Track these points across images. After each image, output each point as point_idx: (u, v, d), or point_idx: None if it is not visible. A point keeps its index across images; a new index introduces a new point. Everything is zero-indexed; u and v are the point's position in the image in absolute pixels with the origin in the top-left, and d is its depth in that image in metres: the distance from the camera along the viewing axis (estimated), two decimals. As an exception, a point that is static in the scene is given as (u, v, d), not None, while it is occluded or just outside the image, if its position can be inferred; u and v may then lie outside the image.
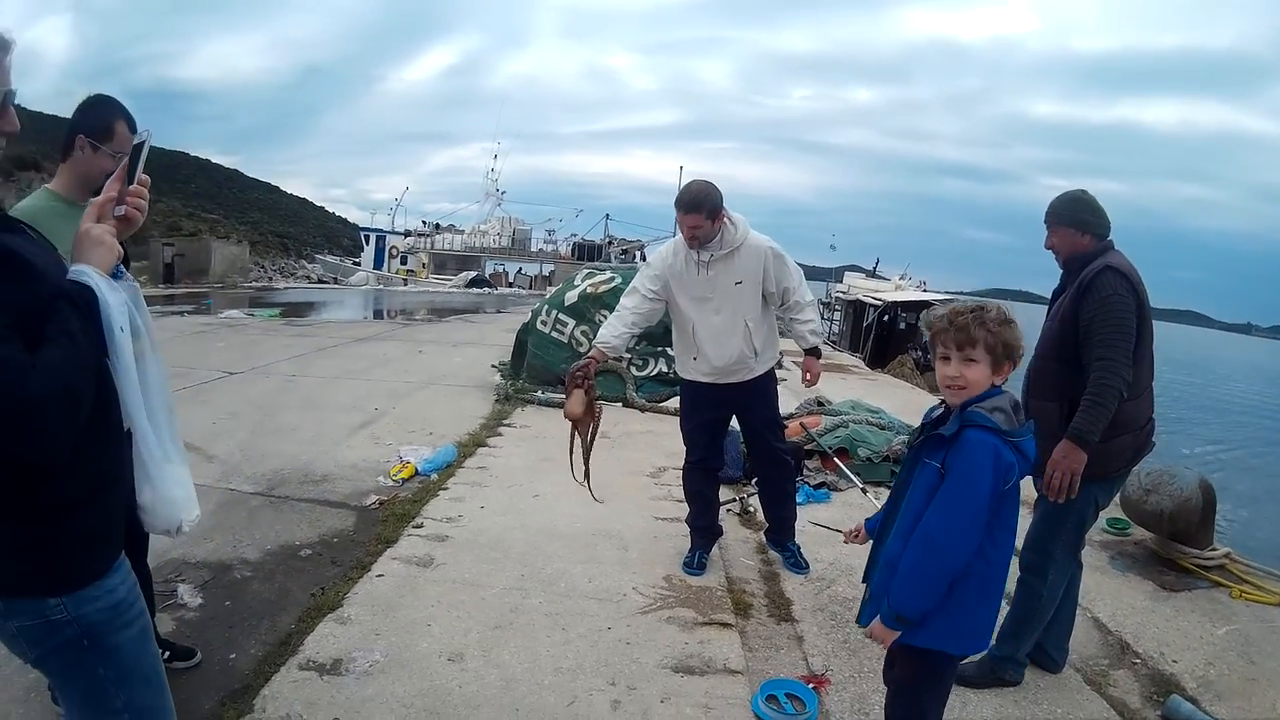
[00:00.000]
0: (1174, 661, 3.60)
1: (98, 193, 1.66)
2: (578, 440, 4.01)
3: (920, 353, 24.03)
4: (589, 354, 4.01)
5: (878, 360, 21.97)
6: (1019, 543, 2.82)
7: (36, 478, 1.45)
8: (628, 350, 8.98)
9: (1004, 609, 3.68)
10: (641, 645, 3.42)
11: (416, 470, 5.69)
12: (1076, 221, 3.24)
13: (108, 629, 1.60)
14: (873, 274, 32.67)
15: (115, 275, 1.57)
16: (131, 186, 1.66)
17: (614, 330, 4.08)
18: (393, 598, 3.70)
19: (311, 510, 4.88)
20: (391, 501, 5.04)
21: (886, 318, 25.94)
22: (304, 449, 6.16)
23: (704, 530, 4.36)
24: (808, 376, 4.31)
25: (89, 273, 1.50)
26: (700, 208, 3.79)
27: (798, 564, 4.34)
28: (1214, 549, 4.65)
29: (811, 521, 5.05)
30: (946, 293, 26.93)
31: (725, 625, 3.65)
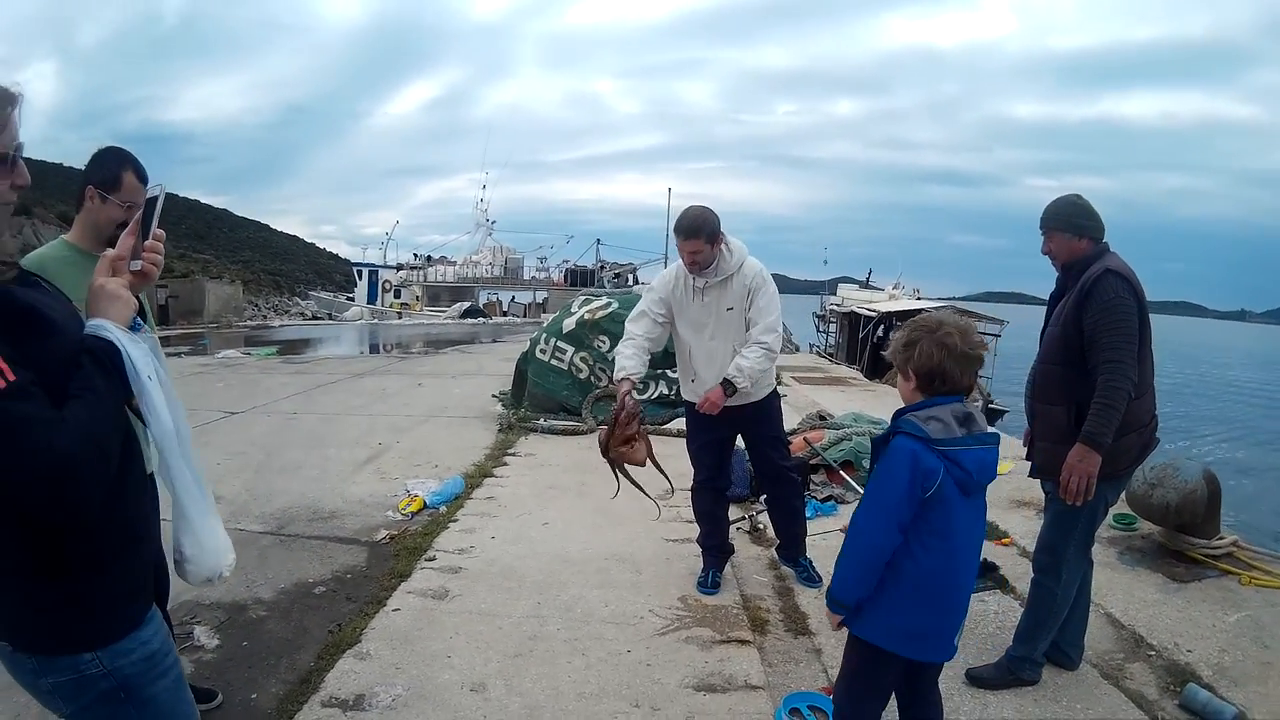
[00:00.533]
0: (1188, 651, 3.63)
1: (111, 243, 1.67)
2: (631, 470, 4.15)
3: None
4: (620, 387, 4.03)
5: (875, 371, 21.98)
6: (1027, 546, 2.85)
7: (68, 535, 1.45)
8: (628, 375, 9.02)
9: (1016, 610, 3.73)
10: (662, 666, 3.43)
11: (425, 503, 5.70)
12: (1072, 226, 3.30)
13: (143, 680, 1.60)
14: (866, 285, 32.79)
15: (133, 328, 1.57)
16: (147, 241, 1.67)
17: (631, 355, 4.10)
18: (410, 631, 3.71)
19: (323, 547, 4.88)
20: (402, 535, 5.05)
21: (882, 328, 25.98)
22: (310, 486, 6.16)
23: (716, 550, 4.39)
24: (703, 404, 4.09)
25: (108, 327, 1.50)
26: (699, 232, 3.84)
27: (810, 578, 4.36)
28: (1221, 538, 4.65)
29: (821, 535, 5.09)
30: (940, 300, 27.01)
31: (743, 642, 3.67)
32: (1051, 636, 3.40)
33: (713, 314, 4.05)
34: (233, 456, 7.06)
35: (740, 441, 4.50)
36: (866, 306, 26.24)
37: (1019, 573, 4.53)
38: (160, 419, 1.57)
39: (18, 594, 1.48)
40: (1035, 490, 6.26)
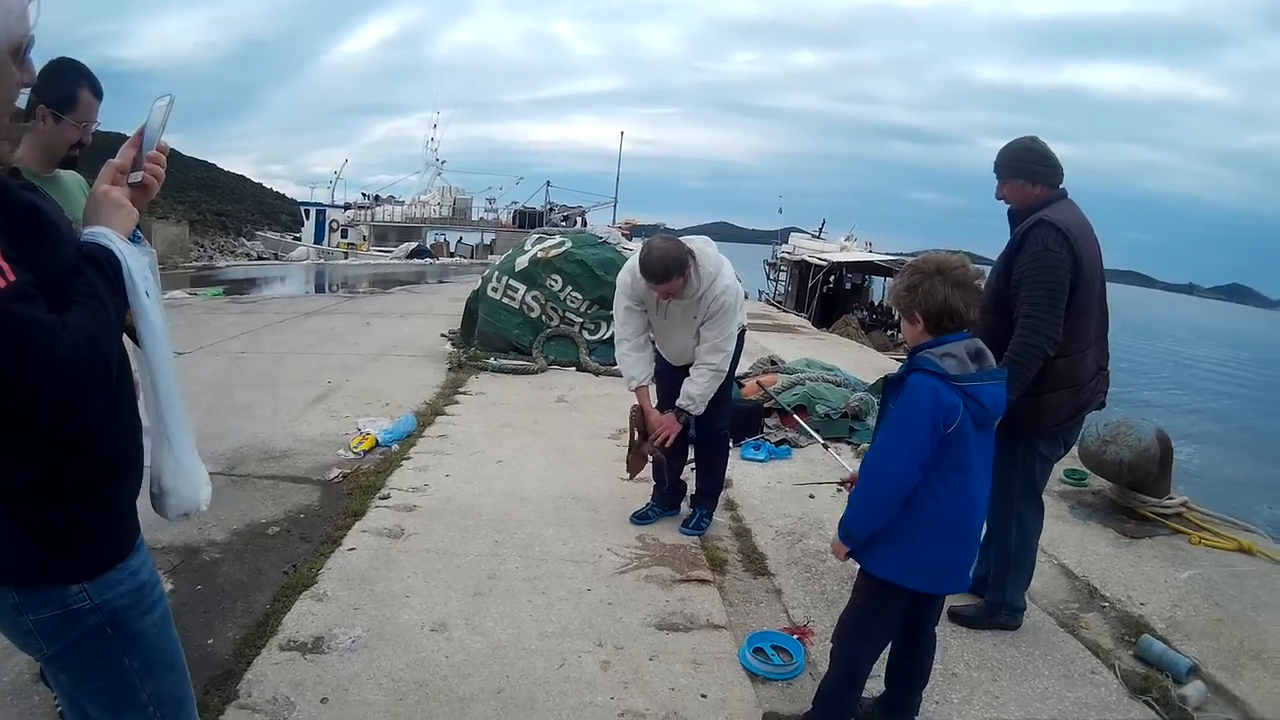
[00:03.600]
0: (1141, 604, 3.68)
1: (66, 164, 1.54)
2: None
3: (865, 312, 24.31)
4: (641, 399, 4.17)
5: (823, 320, 22.19)
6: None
7: (66, 453, 1.35)
8: (579, 315, 8.95)
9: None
10: (623, 605, 3.43)
11: (377, 441, 5.59)
12: (1025, 172, 3.24)
13: (132, 614, 1.50)
14: (818, 236, 32.89)
15: (133, 240, 1.48)
16: (150, 152, 1.56)
17: (635, 361, 4.08)
18: (367, 571, 3.65)
19: (275, 487, 4.77)
20: (355, 474, 4.95)
21: (833, 278, 26.17)
22: (261, 426, 6.01)
23: (662, 484, 4.42)
24: (658, 430, 4.08)
25: (109, 235, 1.41)
26: (670, 275, 3.67)
27: (692, 526, 4.29)
28: (1170, 497, 4.72)
29: (775, 480, 5.12)
30: (890, 254, 27.24)
31: (703, 582, 3.68)
32: (1024, 583, 3.45)
33: (675, 321, 4.00)
34: (183, 397, 6.81)
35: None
36: (818, 256, 26.38)
37: None
38: (157, 338, 1.50)
39: (6, 519, 1.37)
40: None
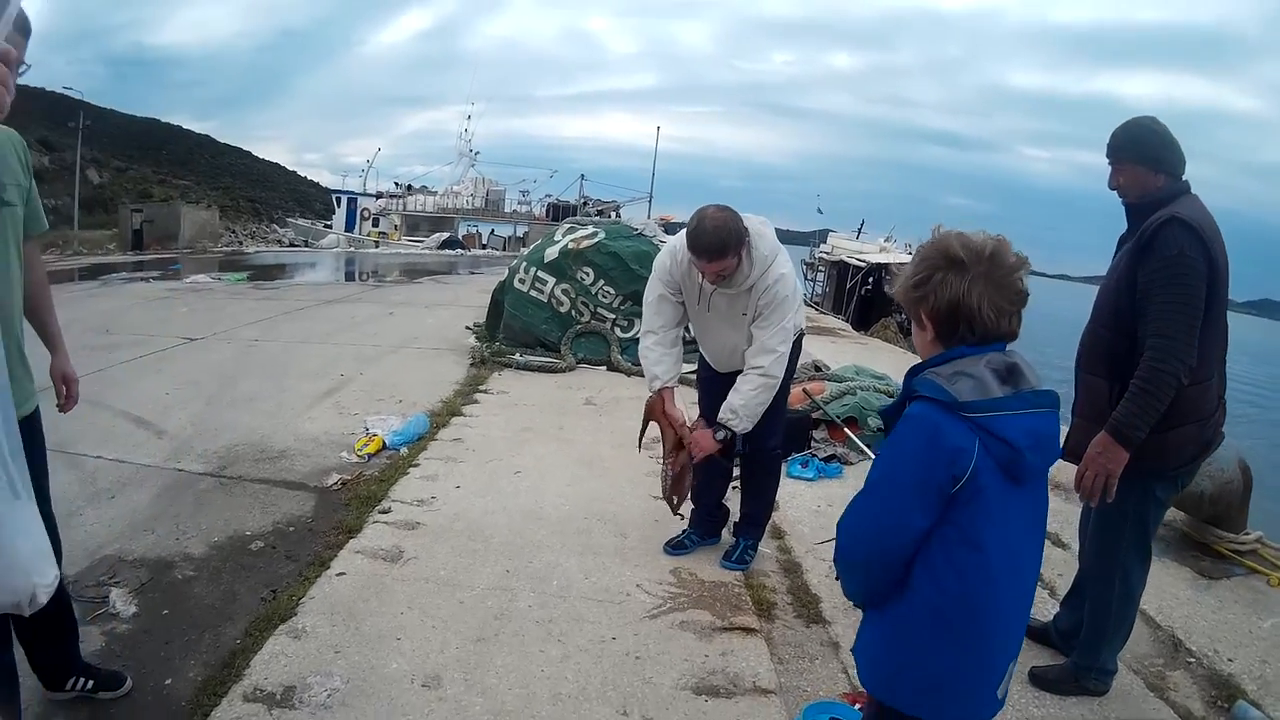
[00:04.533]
0: (1229, 660, 3.27)
1: None
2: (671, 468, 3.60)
3: (905, 316, 23.61)
4: (661, 404, 3.53)
5: (861, 322, 21.56)
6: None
7: None
8: (612, 311, 8.42)
9: (1052, 607, 3.25)
10: (654, 660, 2.87)
11: (384, 444, 5.10)
12: (1148, 158, 2.68)
13: None
14: (857, 236, 32.12)
15: None
16: None
17: (660, 358, 3.49)
18: (356, 602, 3.13)
19: (266, 493, 4.30)
20: (355, 481, 4.46)
21: (871, 280, 25.48)
22: (262, 421, 5.57)
23: (704, 508, 3.84)
24: (692, 447, 3.47)
25: None
26: (725, 250, 3.09)
27: (735, 559, 3.70)
28: (1247, 533, 4.31)
29: (825, 502, 4.56)
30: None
31: (748, 631, 3.11)
32: (1120, 644, 2.96)
33: (720, 315, 3.41)
34: (184, 386, 6.46)
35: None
36: (857, 257, 25.64)
37: (1054, 564, 4.04)
38: None
39: None
40: (1065, 468, 5.72)
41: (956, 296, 1.62)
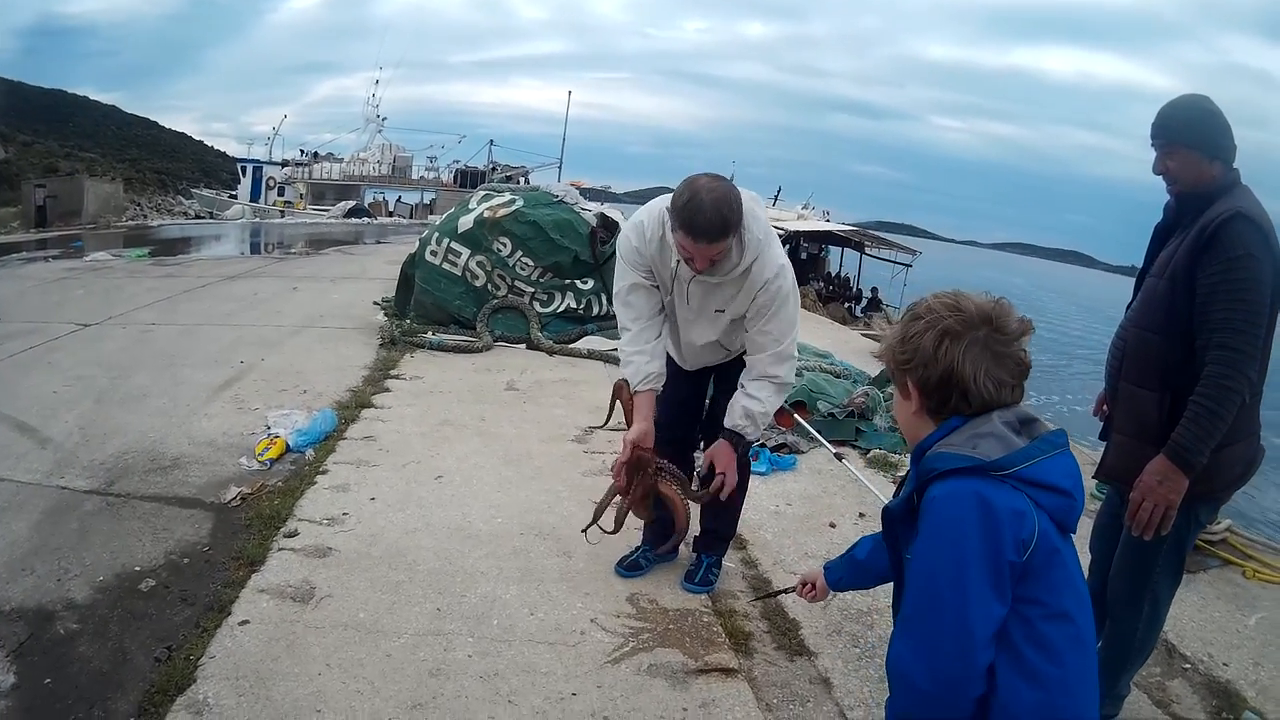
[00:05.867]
0: (1224, 665, 3.13)
1: None
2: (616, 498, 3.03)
3: (823, 284, 23.64)
4: (634, 405, 2.90)
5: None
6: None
7: None
8: (530, 284, 7.89)
9: None
10: (624, 719, 2.41)
11: (288, 446, 4.50)
12: (1205, 143, 2.32)
13: None
14: (774, 203, 31.99)
15: None
16: None
17: (652, 356, 2.89)
18: (264, 661, 2.59)
19: (158, 513, 3.69)
20: (257, 495, 3.88)
21: (789, 247, 25.45)
22: (155, 422, 4.89)
23: (661, 521, 3.18)
24: (718, 481, 2.93)
25: None
26: (728, 231, 2.55)
27: (699, 581, 3.26)
28: (1217, 523, 4.16)
29: (783, 500, 4.17)
30: (846, 225, 26.54)
31: (728, 672, 2.69)
32: (1137, 670, 2.69)
33: (691, 303, 2.89)
34: (73, 383, 5.70)
35: None
36: (775, 225, 25.46)
37: None
38: None
39: None
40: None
41: (950, 366, 1.44)
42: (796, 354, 2.94)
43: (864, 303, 23.02)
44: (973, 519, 1.31)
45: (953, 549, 1.32)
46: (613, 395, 3.03)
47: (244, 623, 2.80)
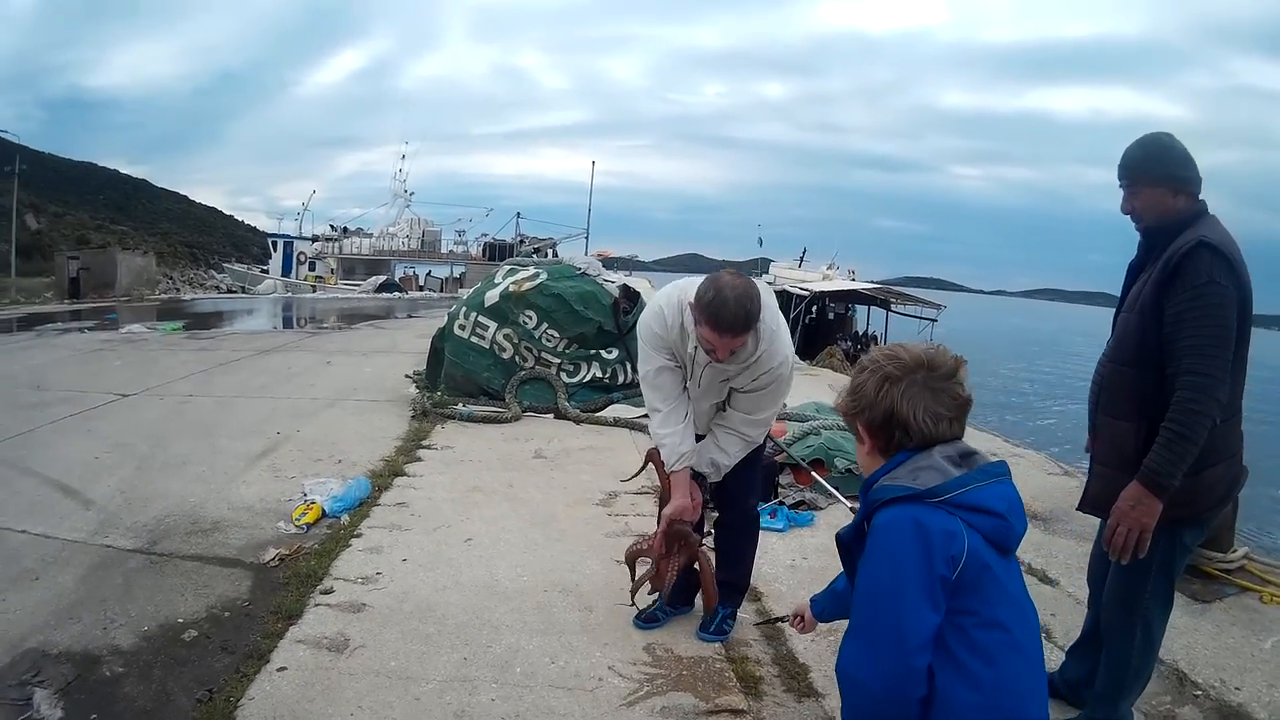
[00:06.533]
0: (1237, 690, 3.16)
1: None
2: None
3: (849, 343, 23.72)
4: (675, 482, 3.09)
5: (806, 352, 21.55)
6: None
7: None
8: (557, 355, 8.12)
9: (1057, 656, 3.06)
10: (637, 760, 2.56)
11: (324, 511, 4.71)
12: (1169, 178, 2.50)
13: None
14: (800, 264, 32.22)
15: None
16: None
17: (684, 435, 3.10)
18: (299, 703, 2.77)
19: (199, 571, 3.90)
20: (294, 556, 4.08)
21: (815, 308, 25.59)
22: (194, 488, 5.14)
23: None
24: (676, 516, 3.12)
25: None
26: (750, 326, 2.78)
27: (714, 630, 3.40)
28: (1234, 550, 4.25)
29: (800, 556, 4.30)
30: (874, 282, 26.71)
31: (737, 713, 2.83)
32: (1138, 695, 2.76)
33: (703, 385, 3.12)
34: (113, 449, 6.00)
35: None
36: (800, 285, 25.66)
37: (1031, 594, 3.83)
38: None
39: None
40: (1042, 497, 5.55)
41: (891, 405, 1.66)
42: (771, 421, 3.21)
43: (891, 360, 23.06)
44: (909, 538, 1.52)
45: (891, 565, 1.53)
46: (646, 459, 3.31)
47: (281, 669, 3.00)
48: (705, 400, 3.16)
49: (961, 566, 1.52)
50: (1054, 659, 3.10)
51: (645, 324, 3.15)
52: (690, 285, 2.97)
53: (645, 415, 3.62)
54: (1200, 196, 2.52)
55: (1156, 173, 2.52)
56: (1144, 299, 2.49)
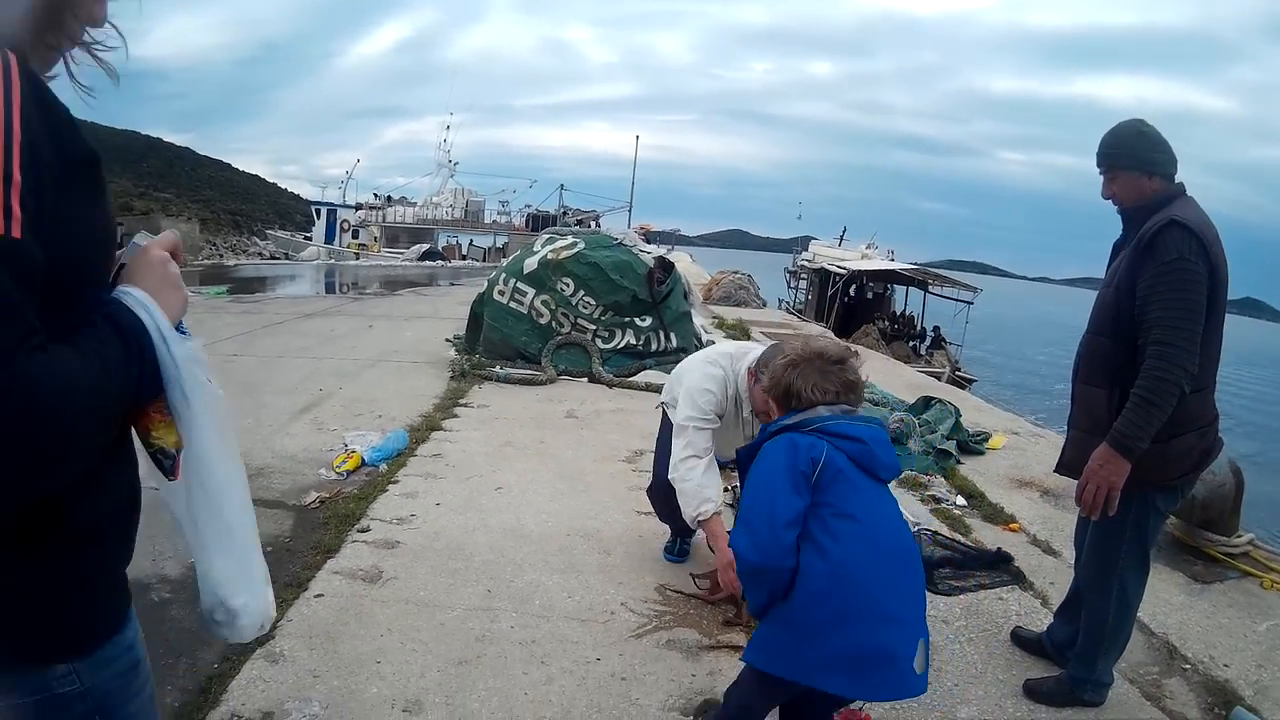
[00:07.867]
0: (1225, 666, 3.26)
1: None
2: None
3: (887, 323, 23.68)
4: (712, 527, 3.18)
5: (844, 330, 21.58)
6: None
7: (66, 495, 1.03)
8: (592, 322, 8.35)
9: (1040, 611, 3.22)
10: (640, 681, 2.81)
11: (363, 460, 5.01)
12: (1142, 163, 2.66)
13: (123, 697, 1.19)
14: (840, 243, 32.11)
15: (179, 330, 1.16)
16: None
17: (714, 479, 3.23)
18: (334, 625, 3.06)
19: (244, 511, 4.19)
20: (334, 499, 4.38)
21: (854, 287, 25.53)
22: (241, 438, 5.42)
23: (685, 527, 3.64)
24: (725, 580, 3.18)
25: (150, 308, 1.09)
26: None
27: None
28: (1239, 535, 4.35)
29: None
30: (913, 263, 26.56)
31: (735, 648, 3.05)
32: (1117, 656, 2.92)
33: (744, 431, 3.33)
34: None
35: None
36: (838, 264, 25.61)
37: (1033, 564, 4.09)
38: (216, 424, 1.22)
39: None
40: (1036, 468, 5.78)
41: (790, 383, 2.14)
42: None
43: (928, 341, 22.95)
44: (782, 449, 2.00)
45: (768, 466, 2.01)
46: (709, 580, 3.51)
47: (319, 596, 3.28)
48: (738, 439, 3.32)
49: (820, 467, 1.94)
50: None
51: (705, 390, 3.25)
52: (742, 353, 3.29)
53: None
54: (1176, 179, 2.66)
55: (1130, 158, 2.67)
56: (1119, 275, 2.65)
